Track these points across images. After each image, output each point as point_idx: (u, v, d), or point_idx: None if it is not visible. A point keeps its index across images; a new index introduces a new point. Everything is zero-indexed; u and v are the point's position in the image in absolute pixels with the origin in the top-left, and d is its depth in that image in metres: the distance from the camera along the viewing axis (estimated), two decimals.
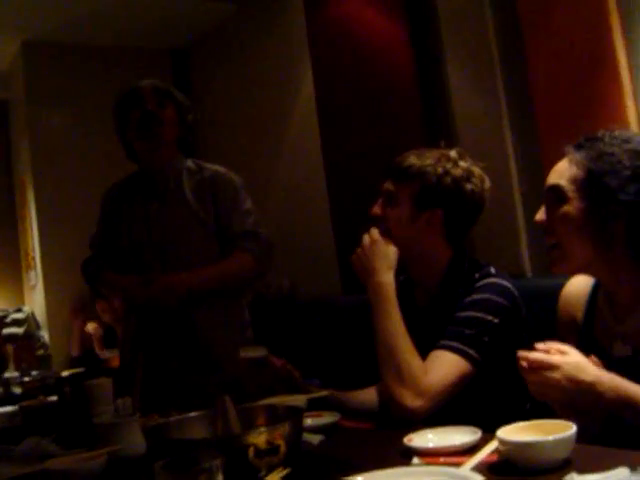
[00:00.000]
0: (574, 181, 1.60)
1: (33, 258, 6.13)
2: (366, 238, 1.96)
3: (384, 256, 1.92)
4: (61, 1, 5.27)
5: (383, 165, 3.64)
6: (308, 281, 4.61)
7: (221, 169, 2.83)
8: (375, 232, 1.96)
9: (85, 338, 5.35)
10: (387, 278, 1.89)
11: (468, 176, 1.95)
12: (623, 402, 1.42)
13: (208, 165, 2.85)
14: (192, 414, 1.61)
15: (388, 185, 2.02)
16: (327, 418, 1.82)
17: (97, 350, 5.14)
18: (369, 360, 1.93)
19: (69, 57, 6.12)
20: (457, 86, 3.53)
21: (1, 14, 5.35)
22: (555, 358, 1.43)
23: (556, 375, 1.42)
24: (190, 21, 5.91)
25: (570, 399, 1.43)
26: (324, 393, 1.99)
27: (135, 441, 1.66)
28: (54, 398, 2.91)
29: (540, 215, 1.69)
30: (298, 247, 4.68)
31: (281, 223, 4.76)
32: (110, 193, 2.93)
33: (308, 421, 1.74)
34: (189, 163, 2.84)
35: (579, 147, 1.63)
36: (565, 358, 1.44)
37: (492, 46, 3.32)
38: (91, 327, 5.26)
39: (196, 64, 6.50)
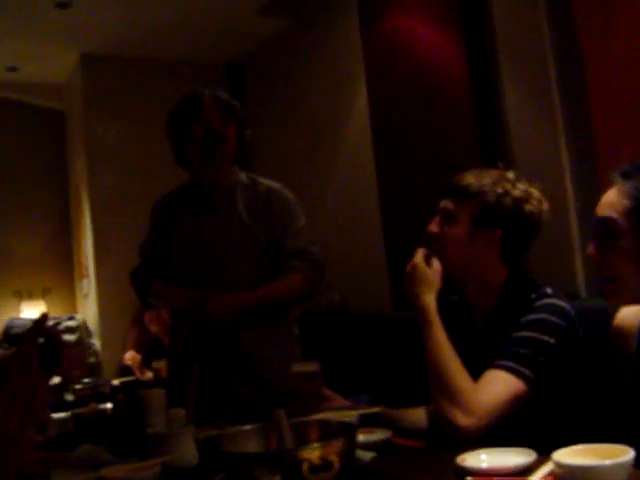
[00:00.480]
0: (625, 213, 1.58)
1: (86, 267, 6.22)
2: (408, 265, 1.97)
3: (424, 279, 1.93)
4: (119, 16, 5.38)
5: (436, 181, 3.65)
6: (358, 295, 4.60)
7: (275, 185, 2.81)
8: (417, 256, 1.98)
9: (139, 347, 5.38)
10: (428, 301, 1.90)
11: (527, 197, 1.95)
12: None
13: (262, 180, 2.83)
14: (245, 427, 1.62)
15: (446, 203, 2.01)
16: (379, 435, 1.81)
17: (138, 375, 5.11)
18: (419, 377, 1.92)
19: (126, 70, 6.24)
20: (513, 103, 3.50)
21: (61, 27, 5.47)
22: None
23: None
24: (245, 35, 5.98)
25: None
26: (375, 409, 1.99)
27: (188, 452, 1.68)
28: (106, 406, 2.95)
29: (591, 248, 1.66)
30: (349, 261, 4.69)
31: (333, 236, 4.78)
32: (160, 204, 2.91)
33: (360, 437, 1.73)
34: (243, 177, 2.82)
35: (626, 176, 1.61)
36: None
37: (549, 63, 3.29)
38: (129, 357, 5.25)
39: (250, 78, 6.56)
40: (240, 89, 6.58)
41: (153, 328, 4.92)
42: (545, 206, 1.98)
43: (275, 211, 2.73)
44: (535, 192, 1.98)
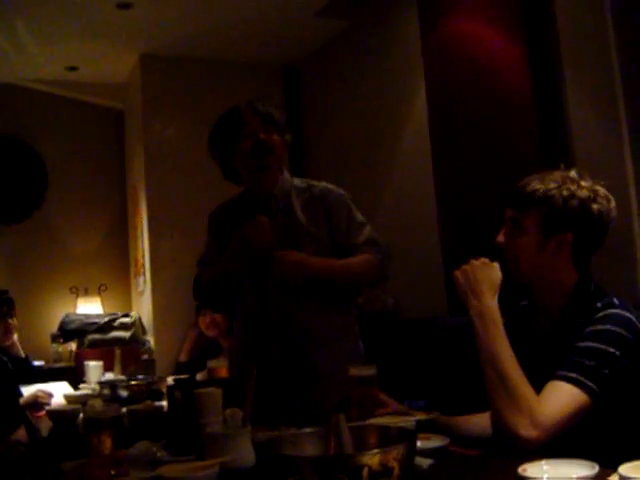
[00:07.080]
0: None
1: (142, 265, 6.29)
2: (469, 264, 1.94)
3: (491, 281, 1.90)
4: (178, 17, 5.44)
5: (496, 185, 3.61)
6: (412, 299, 4.57)
7: (330, 185, 2.83)
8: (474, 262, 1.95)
9: (195, 346, 5.44)
10: (493, 303, 1.87)
11: (594, 196, 1.91)
12: None
13: (315, 182, 2.85)
14: (304, 430, 1.61)
15: (512, 212, 1.97)
16: (436, 441, 1.79)
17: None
18: (474, 384, 1.89)
19: (184, 70, 6.31)
20: (575, 107, 3.45)
21: (121, 28, 5.55)
22: None
23: None
24: (302, 37, 5.99)
25: None
26: (431, 416, 1.97)
27: (246, 453, 1.67)
28: (161, 403, 2.98)
29: None
30: (404, 265, 4.65)
31: (388, 239, 4.74)
32: (217, 215, 2.94)
33: (417, 444, 1.71)
34: (297, 181, 2.84)
35: None
36: None
37: (614, 67, 3.24)
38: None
39: (307, 79, 6.56)
40: (296, 91, 6.59)
41: (208, 332, 4.93)
42: (613, 203, 1.94)
43: (334, 209, 2.74)
44: (601, 190, 1.93)
